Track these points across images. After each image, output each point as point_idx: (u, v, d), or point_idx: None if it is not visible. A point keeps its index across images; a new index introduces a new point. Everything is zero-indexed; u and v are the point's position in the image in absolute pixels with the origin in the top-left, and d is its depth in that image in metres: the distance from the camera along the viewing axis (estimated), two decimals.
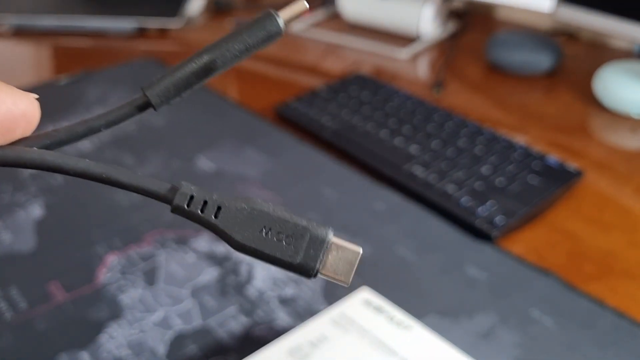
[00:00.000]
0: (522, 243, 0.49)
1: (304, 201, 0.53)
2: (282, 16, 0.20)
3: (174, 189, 0.19)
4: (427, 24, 0.85)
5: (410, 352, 0.34)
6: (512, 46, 0.75)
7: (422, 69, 0.82)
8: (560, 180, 0.53)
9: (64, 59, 0.85)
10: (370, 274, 0.45)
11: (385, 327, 0.35)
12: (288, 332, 0.35)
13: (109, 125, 0.20)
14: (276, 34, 0.20)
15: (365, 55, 0.84)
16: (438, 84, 0.73)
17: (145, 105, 0.20)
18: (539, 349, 0.39)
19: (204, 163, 0.59)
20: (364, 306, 0.36)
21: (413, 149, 0.58)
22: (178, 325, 0.41)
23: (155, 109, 0.20)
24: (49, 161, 0.18)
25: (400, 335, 0.35)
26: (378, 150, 0.58)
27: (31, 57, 0.87)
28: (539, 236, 0.49)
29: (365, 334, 0.34)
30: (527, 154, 0.57)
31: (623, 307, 0.42)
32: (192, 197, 0.18)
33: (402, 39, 0.87)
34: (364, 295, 0.37)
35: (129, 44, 0.89)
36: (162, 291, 0.44)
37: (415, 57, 0.84)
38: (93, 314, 0.42)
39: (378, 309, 0.36)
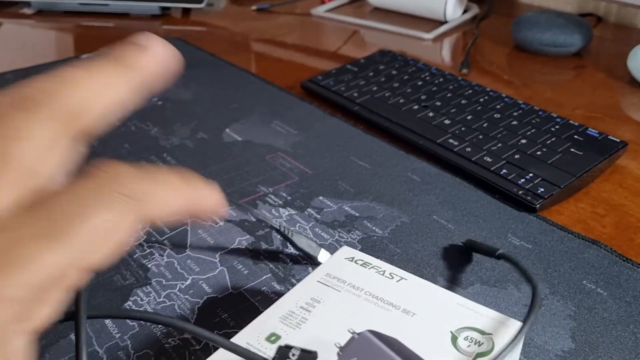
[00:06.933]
0: (567, 215, 0.46)
1: (334, 172, 0.51)
2: None
3: None
4: (452, 6, 0.83)
5: (411, 303, 0.31)
6: (540, 26, 0.72)
7: (447, 51, 0.79)
8: (605, 151, 0.50)
9: (86, 39, 0.83)
10: (409, 241, 0.42)
11: (378, 281, 0.32)
12: (277, 300, 0.32)
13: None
14: None
15: (390, 38, 0.82)
16: (465, 63, 0.71)
17: None
18: (595, 322, 0.36)
19: (230, 135, 0.57)
20: (349, 264, 0.33)
21: (446, 121, 0.56)
22: (207, 293, 0.39)
23: None
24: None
25: (396, 288, 0.32)
26: (410, 123, 0.56)
27: (54, 37, 0.85)
28: (585, 208, 0.47)
29: (359, 291, 0.31)
30: (568, 126, 0.54)
31: None
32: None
33: (426, 22, 0.85)
34: (345, 253, 0.34)
35: (152, 25, 0.87)
36: (190, 259, 0.41)
37: (440, 39, 0.81)
38: (120, 282, 0.40)
39: (365, 265, 0.33)
